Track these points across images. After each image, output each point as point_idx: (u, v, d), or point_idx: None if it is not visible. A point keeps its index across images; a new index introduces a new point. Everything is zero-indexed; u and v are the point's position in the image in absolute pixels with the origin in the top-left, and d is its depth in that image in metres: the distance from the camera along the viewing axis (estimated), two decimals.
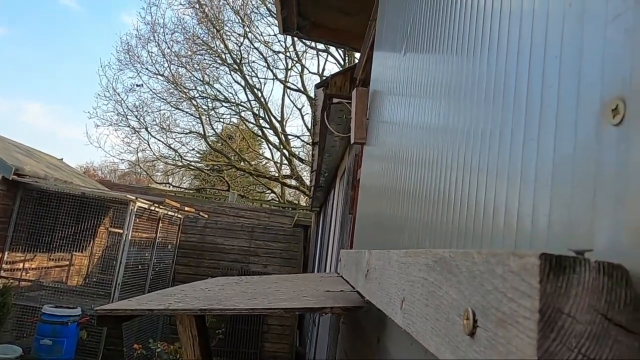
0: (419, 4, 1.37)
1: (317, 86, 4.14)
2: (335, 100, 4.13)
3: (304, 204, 18.38)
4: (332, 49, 18.01)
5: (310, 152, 19.74)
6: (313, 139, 5.50)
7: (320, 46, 17.96)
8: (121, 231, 7.59)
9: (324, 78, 3.81)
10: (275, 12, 17.49)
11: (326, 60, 23.30)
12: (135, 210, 7.57)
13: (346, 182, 5.00)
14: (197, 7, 18.00)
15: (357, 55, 17.18)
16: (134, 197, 7.56)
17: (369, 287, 0.96)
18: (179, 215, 9.79)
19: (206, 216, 10.50)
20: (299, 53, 18.50)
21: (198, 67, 18.73)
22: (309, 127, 19.53)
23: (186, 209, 9.43)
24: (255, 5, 18.17)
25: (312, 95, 18.91)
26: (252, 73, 18.80)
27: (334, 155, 6.24)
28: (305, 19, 3.97)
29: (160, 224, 8.84)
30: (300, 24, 3.97)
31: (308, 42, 17.83)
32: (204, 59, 18.79)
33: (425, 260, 0.54)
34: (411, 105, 1.36)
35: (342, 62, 17.94)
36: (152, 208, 8.24)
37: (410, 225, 1.22)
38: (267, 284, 2.86)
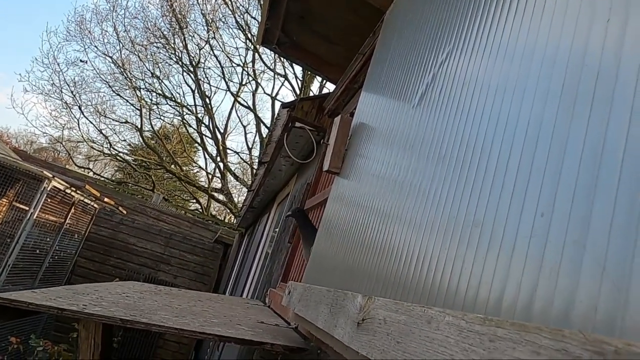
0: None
1: (283, 106, 4.00)
2: (297, 124, 4.00)
3: (227, 222, 17.85)
4: (290, 76, 18.05)
5: (247, 171, 19.40)
6: (261, 158, 5.33)
7: (279, 70, 17.93)
8: (27, 208, 6.86)
9: (291, 100, 3.71)
10: (240, 24, 17.29)
11: (282, 84, 23.34)
12: (49, 189, 6.90)
13: (288, 210, 4.83)
14: None
15: (313, 87, 17.22)
16: (50, 175, 6.89)
17: (368, 340, 0.80)
18: (95, 205, 9.07)
19: (124, 212, 9.82)
20: (256, 71, 18.35)
21: (151, 59, 18.03)
22: (249, 146, 19.21)
23: (105, 199, 8.77)
24: (225, 14, 17.93)
25: (260, 115, 18.74)
26: (206, 79, 18.37)
27: (277, 179, 6.07)
28: (288, 36, 3.87)
29: (73, 210, 8.12)
30: (281, 40, 3.86)
31: (269, 64, 17.78)
32: (159, 52, 18.14)
33: (558, 344, 0.38)
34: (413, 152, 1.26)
35: (297, 91, 17.97)
36: (68, 191, 7.56)
37: (377, 277, 1.08)
38: (192, 300, 2.60)
